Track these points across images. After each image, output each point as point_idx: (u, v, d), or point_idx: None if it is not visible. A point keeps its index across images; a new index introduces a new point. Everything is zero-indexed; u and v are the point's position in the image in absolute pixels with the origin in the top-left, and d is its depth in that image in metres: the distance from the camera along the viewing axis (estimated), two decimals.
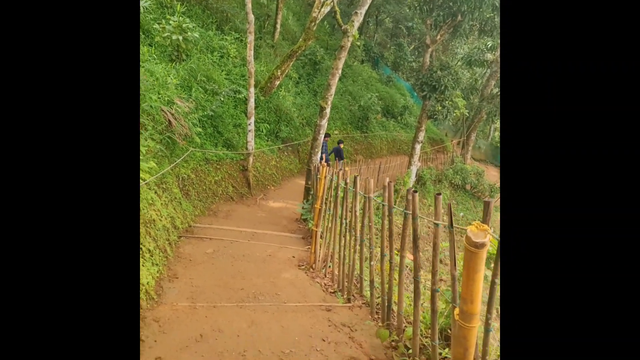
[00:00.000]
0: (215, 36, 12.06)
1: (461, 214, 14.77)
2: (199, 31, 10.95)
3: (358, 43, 14.53)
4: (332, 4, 11.01)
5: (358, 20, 6.94)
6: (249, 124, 9.14)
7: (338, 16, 6.92)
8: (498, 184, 16.91)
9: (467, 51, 18.06)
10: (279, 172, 11.27)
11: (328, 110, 7.35)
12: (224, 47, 11.96)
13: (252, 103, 9.10)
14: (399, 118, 19.06)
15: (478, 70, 19.86)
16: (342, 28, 6.92)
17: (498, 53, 16.89)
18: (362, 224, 3.57)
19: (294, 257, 5.61)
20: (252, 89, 9.07)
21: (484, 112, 18.01)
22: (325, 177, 4.78)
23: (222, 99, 9.93)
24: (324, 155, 11.13)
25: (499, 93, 18.50)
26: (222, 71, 11.17)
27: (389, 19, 26.62)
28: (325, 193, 4.93)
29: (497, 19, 12.51)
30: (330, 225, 4.72)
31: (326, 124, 7.56)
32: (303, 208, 7.25)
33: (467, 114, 13.70)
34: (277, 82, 11.64)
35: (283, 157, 11.78)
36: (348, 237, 4.15)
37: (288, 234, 6.93)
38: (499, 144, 24.79)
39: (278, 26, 14.54)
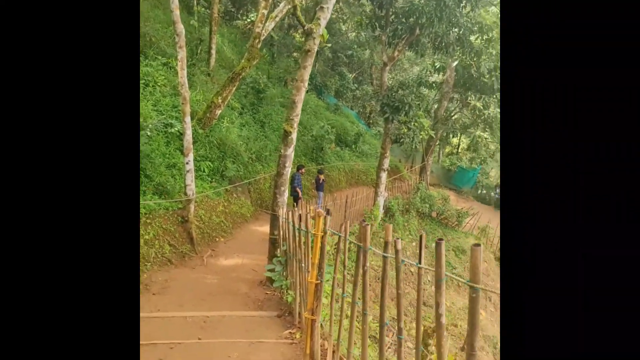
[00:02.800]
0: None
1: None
2: None
3: (329, 45, 13.18)
4: (277, 17, 9.48)
5: (325, 17, 5.33)
6: (187, 163, 7.07)
7: (299, 12, 5.27)
8: (464, 209, 15.93)
9: (416, 73, 17.41)
10: (228, 219, 9.13)
11: (294, 135, 5.54)
12: (149, 73, 9.87)
13: (188, 137, 7.08)
14: (353, 147, 17.75)
15: (425, 92, 19.24)
16: (306, 28, 5.26)
17: (447, 74, 16.32)
18: (441, 326, 1.69)
19: None
20: (187, 119, 7.07)
21: (439, 135, 17.25)
22: (325, 232, 2.87)
23: (149, 133, 7.79)
24: (299, 191, 9.77)
25: (452, 115, 17.92)
26: (148, 102, 9.03)
27: (327, 49, 26.01)
28: (323, 258, 3.01)
29: (452, 35, 11.71)
30: (349, 313, 2.78)
31: (292, 153, 5.72)
32: (273, 271, 5.20)
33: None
34: (219, 112, 9.70)
35: (232, 201, 9.67)
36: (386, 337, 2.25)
37: (255, 313, 4.82)
38: (449, 167, 24.40)
39: (213, 52, 12.71)
